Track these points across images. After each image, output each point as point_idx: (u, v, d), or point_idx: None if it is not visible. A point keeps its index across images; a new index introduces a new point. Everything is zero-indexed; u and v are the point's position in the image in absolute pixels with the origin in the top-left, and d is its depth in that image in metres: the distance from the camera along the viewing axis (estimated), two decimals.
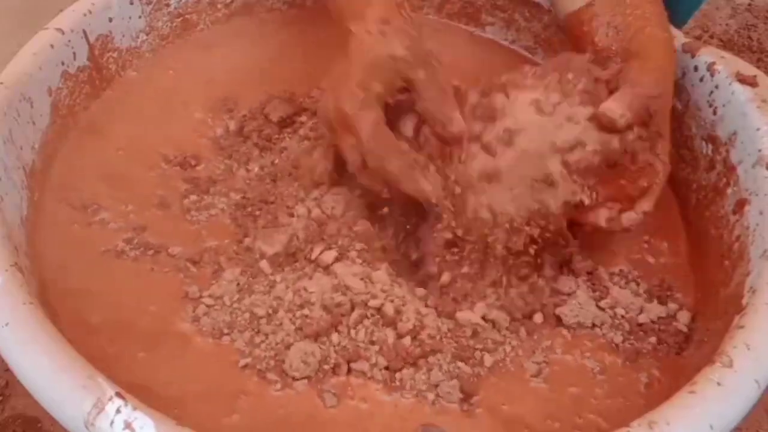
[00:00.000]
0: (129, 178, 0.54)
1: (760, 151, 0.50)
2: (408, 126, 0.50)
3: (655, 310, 0.50)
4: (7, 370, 0.38)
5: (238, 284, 0.47)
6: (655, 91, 0.49)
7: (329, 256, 0.48)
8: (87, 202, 0.51)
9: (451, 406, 0.43)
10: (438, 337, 0.46)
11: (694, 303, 0.51)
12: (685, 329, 0.49)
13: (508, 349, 0.46)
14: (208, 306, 0.46)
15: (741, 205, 0.51)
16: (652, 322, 0.49)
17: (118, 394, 0.34)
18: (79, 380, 0.34)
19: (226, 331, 0.45)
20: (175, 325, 0.46)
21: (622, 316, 0.49)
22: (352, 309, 0.46)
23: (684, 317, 0.50)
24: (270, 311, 0.46)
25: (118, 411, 0.34)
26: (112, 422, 0.33)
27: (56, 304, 0.45)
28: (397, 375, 0.44)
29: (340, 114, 0.47)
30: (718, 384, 0.38)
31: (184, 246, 0.50)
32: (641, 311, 0.50)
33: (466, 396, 0.44)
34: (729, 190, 0.53)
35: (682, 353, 0.48)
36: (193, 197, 0.53)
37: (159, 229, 0.51)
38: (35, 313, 0.37)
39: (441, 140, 0.49)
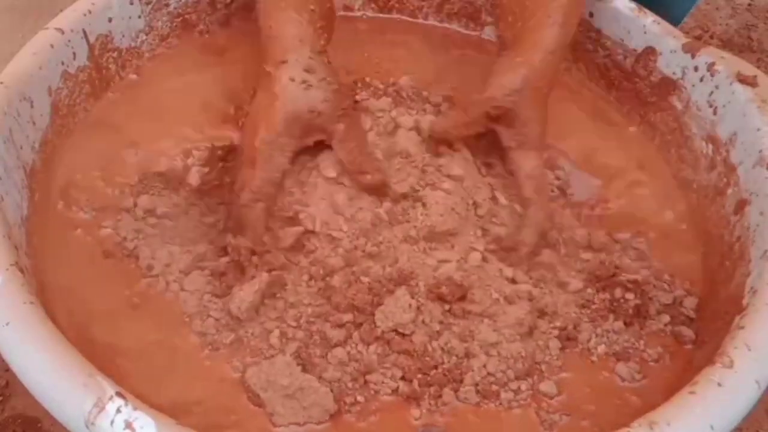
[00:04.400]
0: (142, 181, 0.53)
1: (760, 151, 0.50)
2: (329, 170, 0.51)
3: (662, 297, 0.50)
4: (7, 370, 0.38)
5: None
6: (504, 91, 0.51)
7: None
8: (96, 205, 0.51)
9: (468, 407, 0.43)
10: (454, 352, 0.45)
11: (701, 293, 0.51)
12: (692, 314, 0.49)
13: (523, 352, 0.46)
14: (216, 319, 0.46)
15: (741, 205, 0.51)
16: (658, 312, 0.49)
17: (118, 394, 0.34)
18: (79, 379, 0.34)
19: (236, 344, 0.45)
20: (182, 339, 0.45)
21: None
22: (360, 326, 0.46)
23: (690, 302, 0.50)
24: (279, 328, 0.45)
25: (118, 410, 0.34)
26: (112, 422, 0.33)
27: (59, 313, 0.45)
28: (415, 382, 0.44)
29: (251, 147, 0.49)
30: (719, 384, 0.38)
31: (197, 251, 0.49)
32: (649, 297, 0.50)
33: (484, 397, 0.44)
34: (729, 191, 0.53)
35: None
36: (207, 200, 0.53)
37: (173, 234, 0.50)
38: (35, 312, 0.37)
39: (362, 188, 0.51)
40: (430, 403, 0.43)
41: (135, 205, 0.51)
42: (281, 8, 0.51)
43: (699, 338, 0.48)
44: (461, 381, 0.44)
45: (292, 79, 0.49)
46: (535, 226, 0.51)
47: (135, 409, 0.34)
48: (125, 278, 0.48)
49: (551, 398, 0.44)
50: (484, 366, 0.44)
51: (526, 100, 0.51)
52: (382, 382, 0.44)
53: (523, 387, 0.44)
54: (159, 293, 0.47)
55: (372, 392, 0.43)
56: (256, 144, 0.49)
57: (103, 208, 0.51)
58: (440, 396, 0.43)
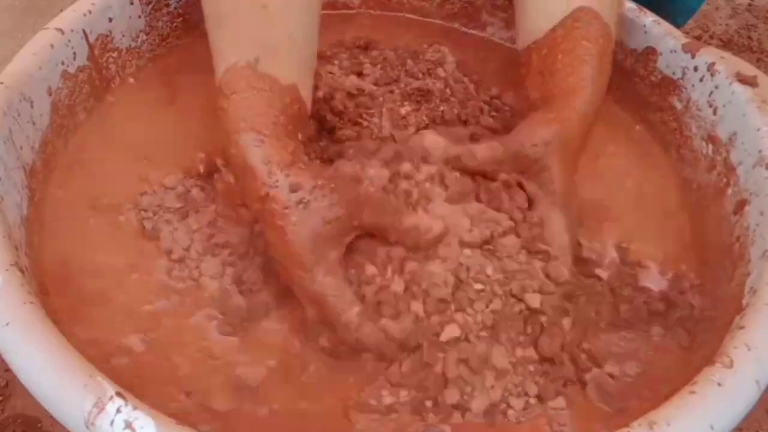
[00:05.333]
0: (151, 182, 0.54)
1: (760, 151, 0.50)
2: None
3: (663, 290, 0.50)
4: (7, 370, 0.38)
5: None
6: (533, 140, 0.49)
7: None
8: (103, 203, 0.51)
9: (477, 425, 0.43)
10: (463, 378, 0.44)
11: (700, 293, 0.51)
12: (697, 303, 0.49)
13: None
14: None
15: (741, 205, 0.51)
16: (664, 307, 0.49)
17: (118, 394, 0.34)
18: (79, 380, 0.34)
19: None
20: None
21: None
22: None
23: (692, 296, 0.50)
24: None
25: (118, 411, 0.34)
26: (112, 422, 0.33)
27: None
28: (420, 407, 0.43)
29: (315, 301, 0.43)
30: (719, 384, 0.38)
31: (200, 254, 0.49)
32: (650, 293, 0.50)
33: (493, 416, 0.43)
34: (729, 191, 0.53)
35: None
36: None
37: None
38: (35, 312, 0.37)
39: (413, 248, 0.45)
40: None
41: (161, 185, 0.52)
42: (242, 130, 0.44)
43: (699, 338, 0.48)
44: (469, 409, 0.43)
45: (286, 207, 0.43)
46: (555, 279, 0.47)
47: (135, 408, 0.34)
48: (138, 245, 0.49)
49: (562, 410, 0.43)
50: (492, 387, 0.43)
51: (555, 154, 0.49)
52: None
53: (533, 402, 0.43)
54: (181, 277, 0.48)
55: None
56: (311, 290, 0.43)
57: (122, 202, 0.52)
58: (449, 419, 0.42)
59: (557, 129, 0.49)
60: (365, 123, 0.56)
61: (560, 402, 0.44)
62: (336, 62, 0.62)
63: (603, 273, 0.51)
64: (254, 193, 0.44)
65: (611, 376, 0.45)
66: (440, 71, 0.62)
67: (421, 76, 0.61)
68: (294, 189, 0.43)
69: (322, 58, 0.64)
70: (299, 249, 0.42)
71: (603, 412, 0.44)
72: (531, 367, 0.44)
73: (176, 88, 0.61)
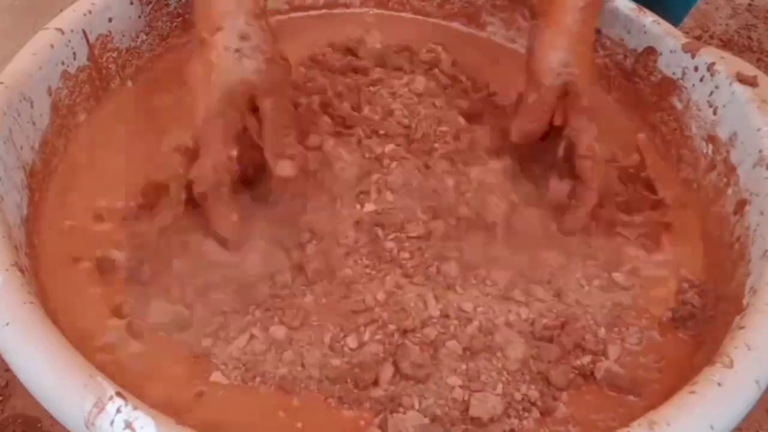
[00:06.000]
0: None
1: (760, 151, 0.50)
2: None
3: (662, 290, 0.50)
4: (7, 370, 0.38)
5: None
6: (552, 67, 0.51)
7: None
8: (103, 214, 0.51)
9: None
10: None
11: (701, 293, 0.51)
12: (697, 303, 0.49)
13: None
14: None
15: (741, 205, 0.51)
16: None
17: (118, 394, 0.34)
18: (79, 380, 0.34)
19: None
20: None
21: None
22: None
23: (692, 296, 0.50)
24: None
25: (118, 411, 0.34)
26: (112, 422, 0.33)
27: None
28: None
29: (195, 128, 0.47)
30: (719, 384, 0.38)
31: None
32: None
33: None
34: (729, 191, 0.53)
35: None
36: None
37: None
38: (35, 312, 0.37)
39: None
40: None
41: (135, 218, 0.50)
42: None
43: (699, 338, 0.48)
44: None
45: (227, 48, 0.46)
46: (584, 207, 0.52)
47: (135, 408, 0.34)
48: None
49: (559, 417, 0.43)
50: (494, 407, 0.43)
51: (576, 69, 0.51)
52: None
53: (535, 413, 0.43)
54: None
55: None
56: (199, 124, 0.47)
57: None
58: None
59: (568, 43, 0.51)
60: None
61: (562, 409, 0.44)
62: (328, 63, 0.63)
63: None
64: (208, 23, 0.47)
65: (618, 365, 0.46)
66: (435, 71, 0.62)
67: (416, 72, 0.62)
68: (243, 37, 0.47)
69: (313, 60, 0.64)
70: (216, 94, 0.46)
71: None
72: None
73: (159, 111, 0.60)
